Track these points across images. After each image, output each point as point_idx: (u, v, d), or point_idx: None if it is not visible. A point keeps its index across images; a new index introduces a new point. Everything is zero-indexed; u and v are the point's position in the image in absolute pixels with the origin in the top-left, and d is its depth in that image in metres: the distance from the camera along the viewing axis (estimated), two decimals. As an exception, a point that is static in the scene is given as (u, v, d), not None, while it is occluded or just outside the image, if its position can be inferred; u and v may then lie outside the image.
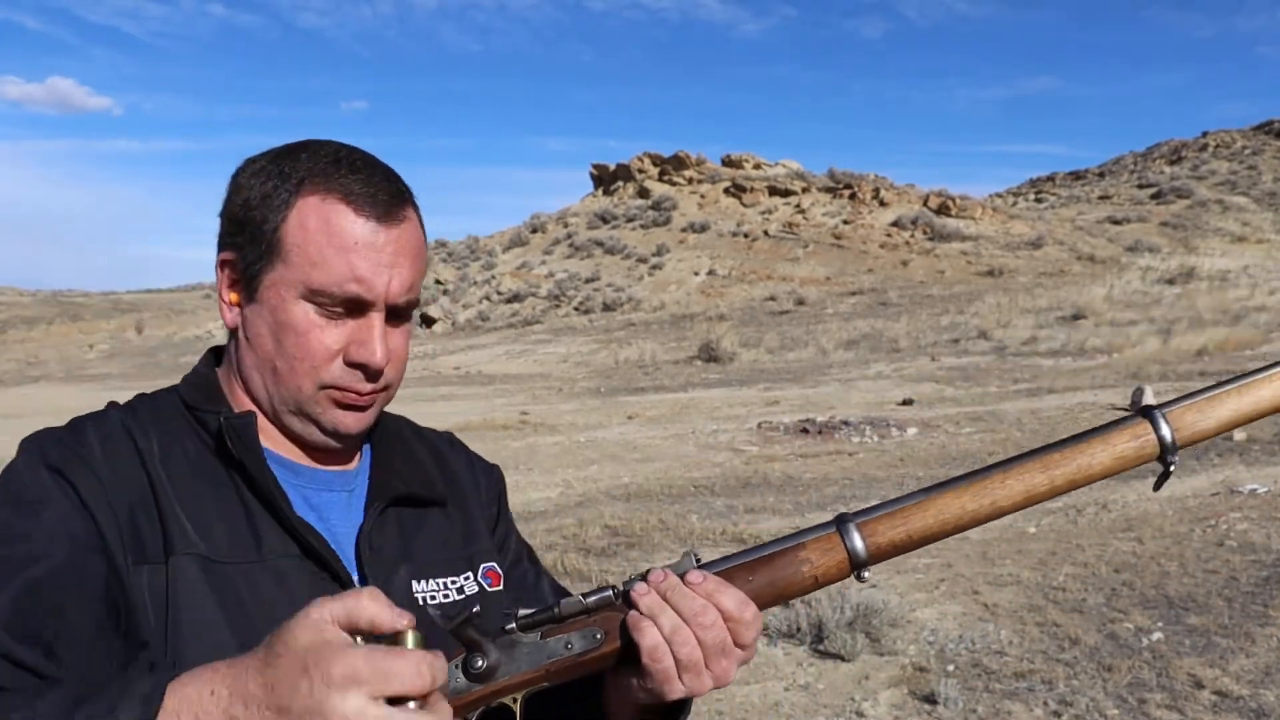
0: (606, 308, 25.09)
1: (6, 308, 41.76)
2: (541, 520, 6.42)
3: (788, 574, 0.66)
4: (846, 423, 9.81)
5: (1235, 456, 6.81)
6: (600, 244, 29.79)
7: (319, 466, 0.79)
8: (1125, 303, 18.98)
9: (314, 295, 0.72)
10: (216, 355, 0.83)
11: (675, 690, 0.64)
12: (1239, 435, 7.35)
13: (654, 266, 27.42)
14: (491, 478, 0.93)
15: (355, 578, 0.74)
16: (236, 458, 0.73)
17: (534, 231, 33.63)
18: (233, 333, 0.78)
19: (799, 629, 3.80)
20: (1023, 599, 4.10)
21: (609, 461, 8.94)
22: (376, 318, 0.74)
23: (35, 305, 44.22)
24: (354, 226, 0.72)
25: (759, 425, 10.27)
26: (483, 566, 0.82)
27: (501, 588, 0.83)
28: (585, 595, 0.66)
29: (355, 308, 0.73)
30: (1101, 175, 49.04)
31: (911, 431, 9.36)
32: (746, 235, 28.49)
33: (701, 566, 0.67)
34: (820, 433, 9.60)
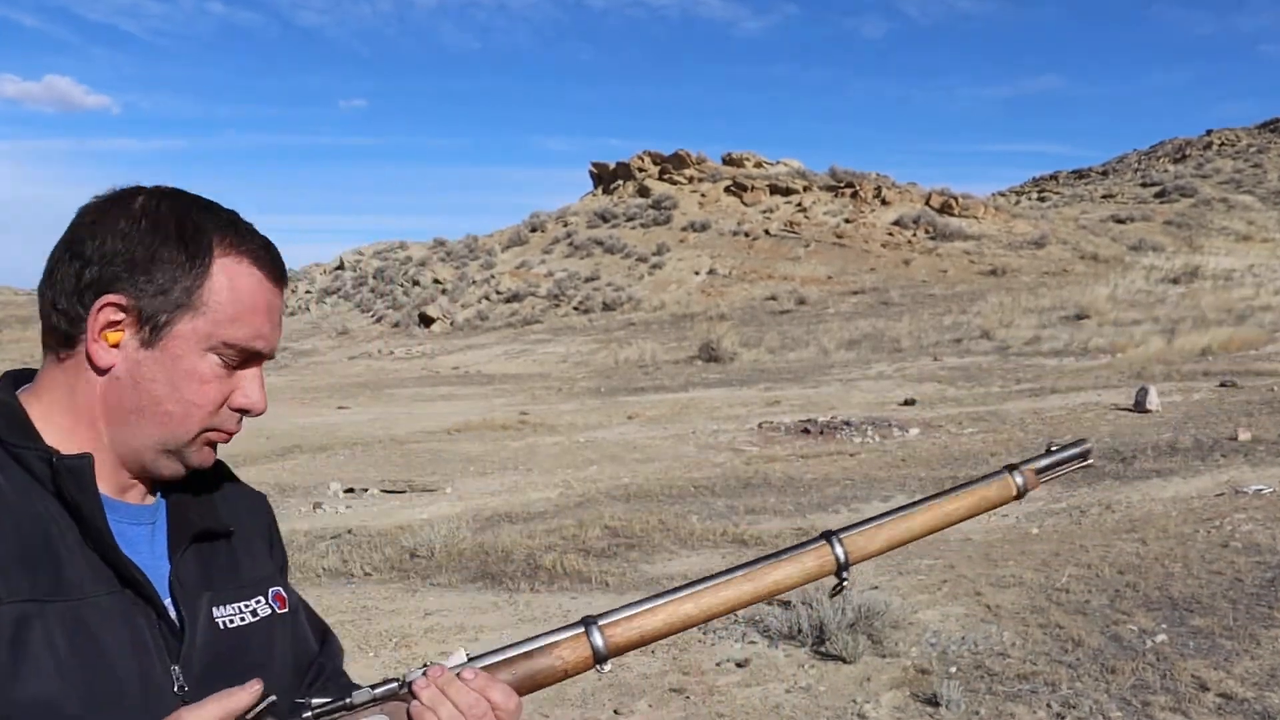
0: (606, 307, 25.07)
1: (2, 307, 41.78)
2: (541, 521, 6.39)
3: (544, 668, 0.80)
4: (848, 423, 9.78)
5: (1240, 457, 6.77)
6: (600, 243, 29.76)
7: (130, 502, 0.83)
8: (1129, 302, 18.93)
9: (223, 348, 0.79)
10: (14, 379, 0.84)
11: None
12: (1244, 435, 7.31)
13: (654, 266, 27.39)
14: (262, 506, 0.98)
15: (171, 609, 0.80)
16: (69, 498, 0.75)
17: (533, 231, 33.61)
18: (97, 371, 0.79)
19: (800, 630, 3.78)
20: (1025, 600, 4.07)
21: (609, 462, 8.91)
22: (260, 368, 0.83)
23: (30, 305, 43.77)
24: (264, 290, 0.81)
25: (760, 425, 10.24)
26: (270, 591, 0.89)
27: (288, 610, 0.89)
28: (374, 686, 0.76)
29: (250, 359, 0.82)
30: (1105, 174, 48.96)
31: (913, 432, 9.33)
32: (747, 234, 28.45)
33: (472, 660, 0.78)
34: (821, 433, 9.57)
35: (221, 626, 0.82)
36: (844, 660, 3.55)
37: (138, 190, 0.81)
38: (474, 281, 29.66)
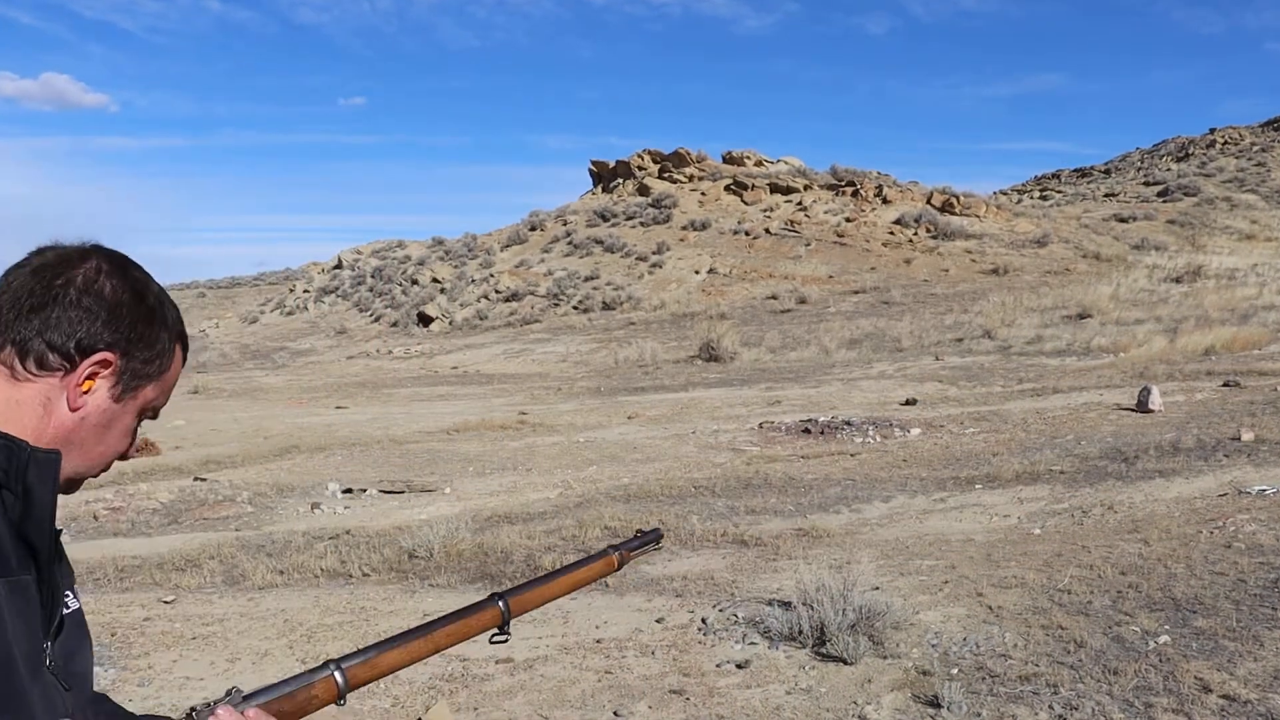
0: (606, 306, 25.04)
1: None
2: (540, 521, 6.37)
3: (302, 702, 0.99)
4: (849, 423, 9.75)
5: (1243, 458, 6.73)
6: (599, 242, 29.73)
7: None
8: (1131, 301, 18.89)
9: (146, 412, 0.97)
10: None
11: None
12: (1247, 435, 7.28)
13: (654, 265, 27.35)
14: None
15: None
16: (26, 486, 0.85)
17: (532, 229, 33.57)
18: (70, 408, 0.92)
19: (801, 631, 3.75)
20: (1027, 601, 4.04)
21: (608, 462, 8.89)
22: None
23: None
24: (180, 368, 1.00)
25: (760, 425, 10.21)
26: (75, 589, 1.02)
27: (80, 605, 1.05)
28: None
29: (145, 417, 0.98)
30: (1107, 172, 48.91)
31: (915, 432, 9.30)
32: (748, 233, 28.42)
33: (246, 697, 0.97)
34: (822, 433, 9.54)
35: (65, 609, 0.96)
36: (845, 661, 3.52)
37: (91, 251, 0.94)
38: (473, 281, 29.63)
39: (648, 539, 1.30)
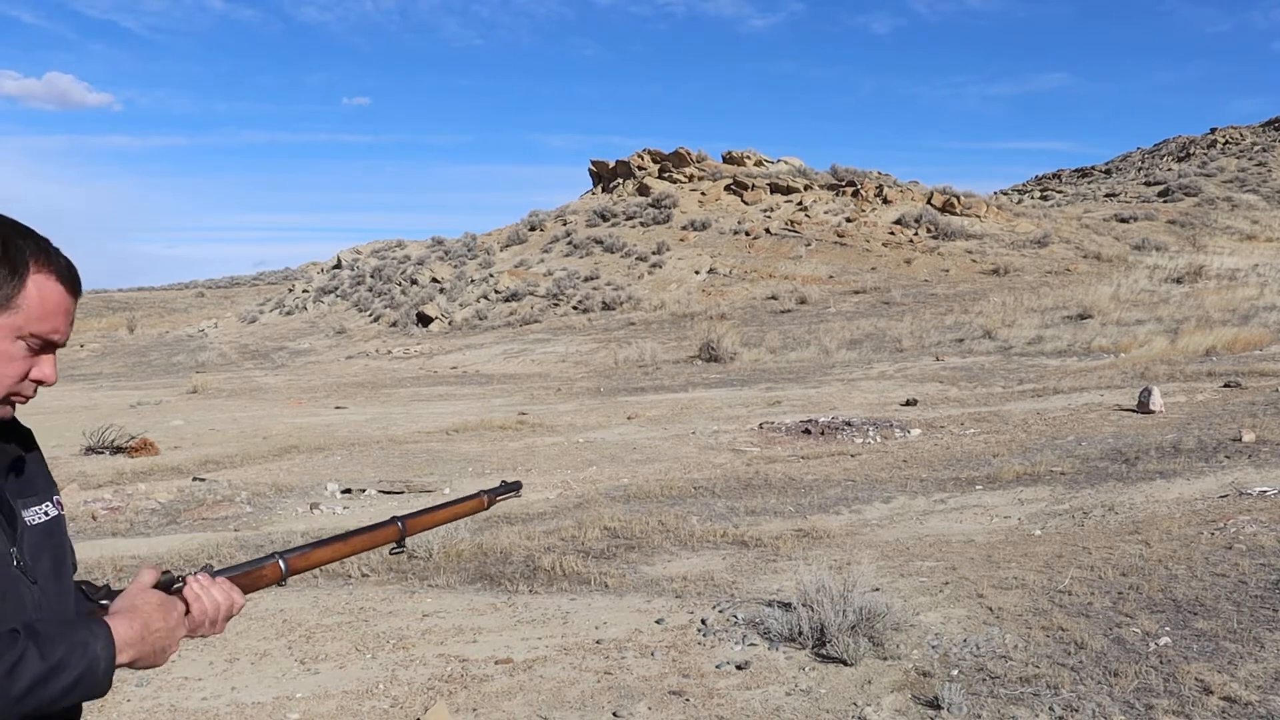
0: (606, 307, 25.02)
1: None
2: (540, 522, 6.36)
3: (255, 579, 1.28)
4: (849, 423, 9.73)
5: (1244, 458, 6.72)
6: (599, 242, 29.71)
7: None
8: (1132, 302, 18.87)
9: (28, 337, 1.11)
10: None
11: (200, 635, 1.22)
12: (1248, 436, 7.26)
13: (654, 265, 27.33)
14: (35, 444, 1.28)
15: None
16: None
17: (532, 229, 33.54)
18: None
19: (800, 633, 3.74)
20: (1028, 602, 4.03)
21: (608, 462, 8.88)
22: (54, 354, 1.16)
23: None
24: (63, 299, 1.13)
25: (760, 426, 10.20)
26: (54, 498, 1.23)
27: (64, 511, 1.25)
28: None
29: (46, 347, 1.14)
30: (1108, 172, 48.89)
31: (915, 432, 9.29)
32: (748, 233, 28.40)
33: (217, 573, 1.24)
34: (822, 433, 9.53)
35: (29, 523, 1.16)
36: (845, 663, 3.51)
37: None
38: (472, 280, 29.61)
39: (511, 488, 1.69)
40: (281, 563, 1.29)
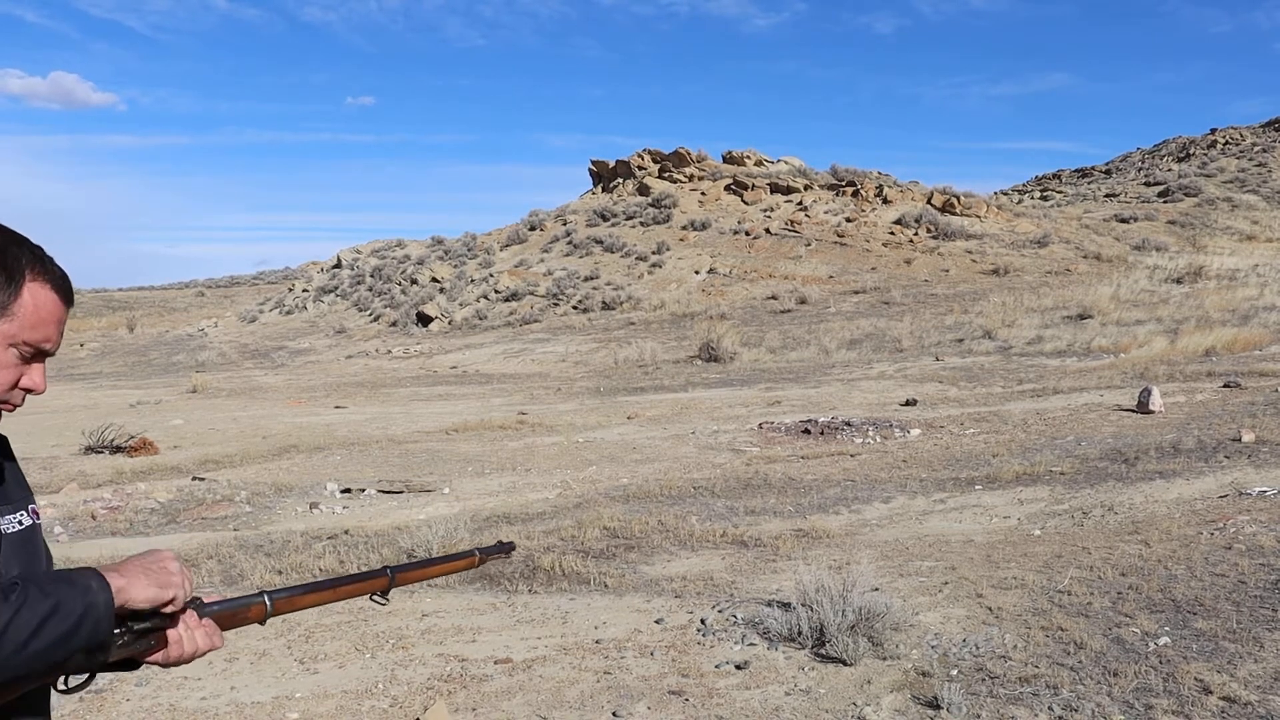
0: (605, 306, 25.01)
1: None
2: (539, 522, 6.35)
3: (239, 617, 1.25)
4: (849, 423, 9.73)
5: (1244, 459, 6.72)
6: (599, 242, 29.70)
7: None
8: (1132, 302, 18.87)
9: (21, 345, 1.11)
10: None
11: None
12: (1248, 437, 7.26)
13: (654, 265, 27.33)
14: (10, 451, 1.26)
15: None
16: None
17: (532, 229, 33.54)
18: None
19: (800, 632, 3.74)
20: (1028, 602, 4.03)
21: (608, 462, 8.88)
22: (44, 362, 1.16)
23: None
24: (57, 308, 1.13)
25: (760, 426, 10.20)
26: (30, 508, 1.20)
27: (40, 521, 1.23)
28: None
29: (37, 356, 1.14)
30: (1108, 173, 48.89)
31: (915, 432, 9.29)
32: (748, 233, 28.40)
33: (205, 607, 1.21)
34: (822, 433, 9.53)
35: (4, 531, 1.14)
36: (844, 662, 3.51)
37: None
38: (472, 280, 29.60)
39: (504, 548, 1.64)
40: (268, 602, 1.28)
